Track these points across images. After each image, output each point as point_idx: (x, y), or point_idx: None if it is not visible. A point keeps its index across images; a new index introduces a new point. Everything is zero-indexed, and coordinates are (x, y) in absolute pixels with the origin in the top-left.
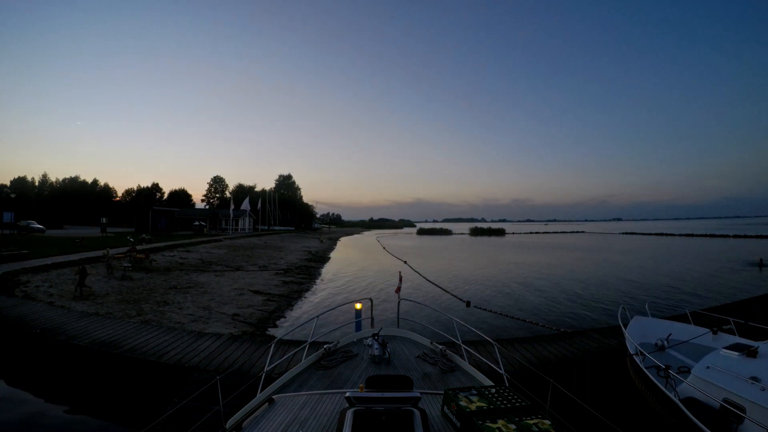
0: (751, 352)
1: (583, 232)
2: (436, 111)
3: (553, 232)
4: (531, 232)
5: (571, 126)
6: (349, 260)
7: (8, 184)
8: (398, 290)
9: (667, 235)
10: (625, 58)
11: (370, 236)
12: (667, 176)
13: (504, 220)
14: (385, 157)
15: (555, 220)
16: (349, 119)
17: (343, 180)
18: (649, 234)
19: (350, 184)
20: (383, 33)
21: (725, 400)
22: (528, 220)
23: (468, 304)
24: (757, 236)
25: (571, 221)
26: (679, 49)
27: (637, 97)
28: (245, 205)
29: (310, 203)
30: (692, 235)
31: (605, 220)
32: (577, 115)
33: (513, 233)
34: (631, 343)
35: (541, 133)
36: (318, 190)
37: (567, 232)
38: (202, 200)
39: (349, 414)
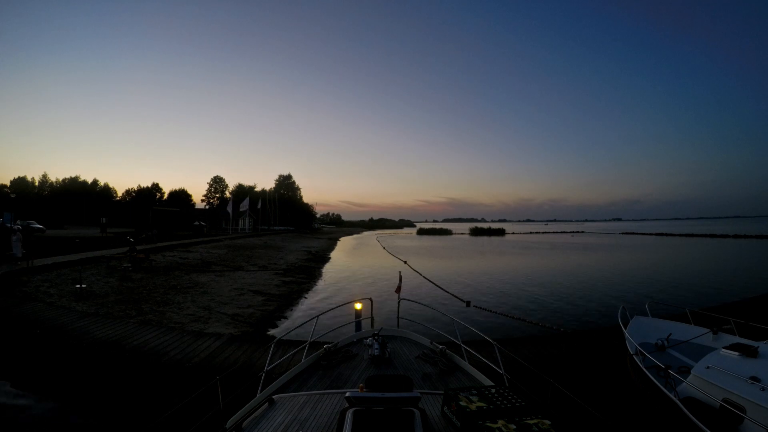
0: (751, 352)
1: (583, 232)
2: (461, 109)
3: (554, 232)
4: (531, 232)
5: (601, 126)
6: (349, 260)
7: (8, 184)
8: (398, 290)
9: (667, 235)
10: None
11: (370, 236)
12: (671, 176)
13: (504, 220)
14: (417, 157)
15: (555, 220)
16: (368, 117)
17: (368, 180)
18: (649, 234)
19: (376, 184)
20: (405, 21)
21: (725, 400)
22: (528, 220)
23: (468, 304)
24: (757, 236)
25: (571, 221)
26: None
27: (644, 96)
28: (245, 205)
29: (310, 203)
30: (692, 235)
31: (605, 220)
32: (606, 114)
33: (513, 233)
34: (631, 343)
35: (572, 134)
36: (341, 191)
37: (567, 232)
38: (202, 200)
39: (349, 414)
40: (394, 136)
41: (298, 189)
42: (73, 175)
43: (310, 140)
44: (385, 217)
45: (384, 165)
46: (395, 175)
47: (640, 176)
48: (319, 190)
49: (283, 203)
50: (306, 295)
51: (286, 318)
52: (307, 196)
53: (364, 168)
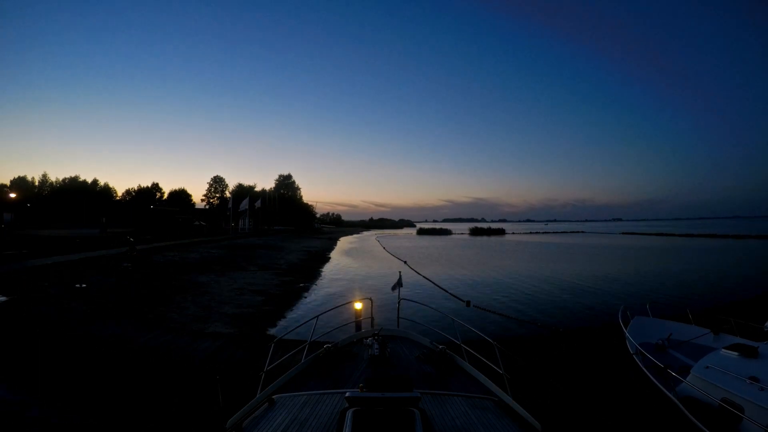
0: (750, 353)
1: (583, 232)
2: (491, 108)
3: (554, 232)
4: (531, 232)
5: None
6: (348, 260)
7: (8, 184)
8: (398, 289)
9: (666, 235)
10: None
11: (369, 236)
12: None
13: (504, 220)
14: (447, 157)
15: (555, 220)
16: (394, 119)
17: (393, 181)
18: (649, 234)
19: (399, 185)
20: (430, 19)
21: (724, 400)
22: (528, 220)
23: (468, 303)
24: (757, 236)
25: (570, 221)
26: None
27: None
28: (245, 204)
29: (310, 203)
30: (692, 235)
31: (605, 221)
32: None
33: (513, 233)
34: (632, 342)
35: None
36: (363, 192)
37: (567, 232)
38: (202, 200)
39: (349, 414)
40: (421, 139)
41: (298, 189)
42: (73, 175)
43: (329, 141)
44: (387, 217)
45: (408, 165)
46: (421, 176)
47: (664, 176)
48: (340, 191)
49: (283, 203)
50: (306, 295)
51: (286, 318)
52: (308, 195)
53: (389, 169)
